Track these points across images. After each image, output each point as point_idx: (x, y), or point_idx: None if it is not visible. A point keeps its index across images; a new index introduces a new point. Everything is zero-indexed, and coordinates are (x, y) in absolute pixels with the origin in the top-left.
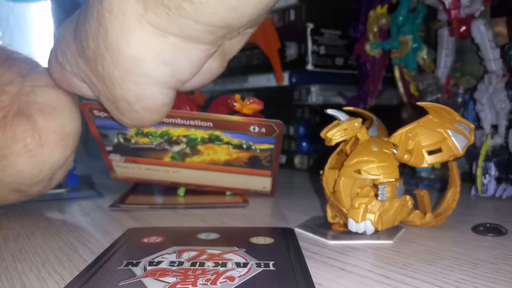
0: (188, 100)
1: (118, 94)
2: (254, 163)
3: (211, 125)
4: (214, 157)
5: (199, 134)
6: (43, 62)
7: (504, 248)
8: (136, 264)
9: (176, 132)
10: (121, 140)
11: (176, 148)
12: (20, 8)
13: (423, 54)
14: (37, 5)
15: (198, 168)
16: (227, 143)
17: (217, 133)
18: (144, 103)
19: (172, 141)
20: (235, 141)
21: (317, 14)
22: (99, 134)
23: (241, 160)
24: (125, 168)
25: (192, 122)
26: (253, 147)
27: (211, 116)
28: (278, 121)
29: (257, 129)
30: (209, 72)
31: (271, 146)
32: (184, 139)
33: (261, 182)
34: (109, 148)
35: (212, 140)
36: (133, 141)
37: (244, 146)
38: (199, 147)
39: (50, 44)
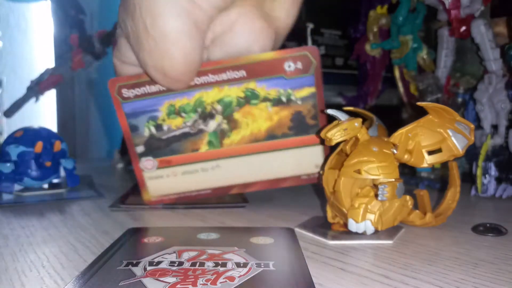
0: None
1: (138, 17)
2: (298, 125)
3: (245, 74)
4: (253, 128)
5: (233, 93)
6: (43, 62)
7: (504, 248)
8: (136, 264)
9: (209, 97)
10: (152, 129)
11: (212, 125)
12: (20, 8)
13: (423, 54)
14: (37, 5)
15: (240, 154)
16: (265, 98)
17: (252, 85)
18: (160, 27)
19: (206, 114)
20: (273, 93)
21: (317, 14)
22: (128, 127)
23: (284, 124)
24: (159, 179)
25: (224, 76)
26: (293, 98)
27: (242, 60)
28: (312, 46)
29: (292, 66)
30: (252, 30)
31: (312, 90)
32: (218, 107)
33: (313, 157)
34: (140, 149)
35: (248, 99)
36: (165, 127)
37: (284, 99)
38: (236, 115)
39: (50, 44)
